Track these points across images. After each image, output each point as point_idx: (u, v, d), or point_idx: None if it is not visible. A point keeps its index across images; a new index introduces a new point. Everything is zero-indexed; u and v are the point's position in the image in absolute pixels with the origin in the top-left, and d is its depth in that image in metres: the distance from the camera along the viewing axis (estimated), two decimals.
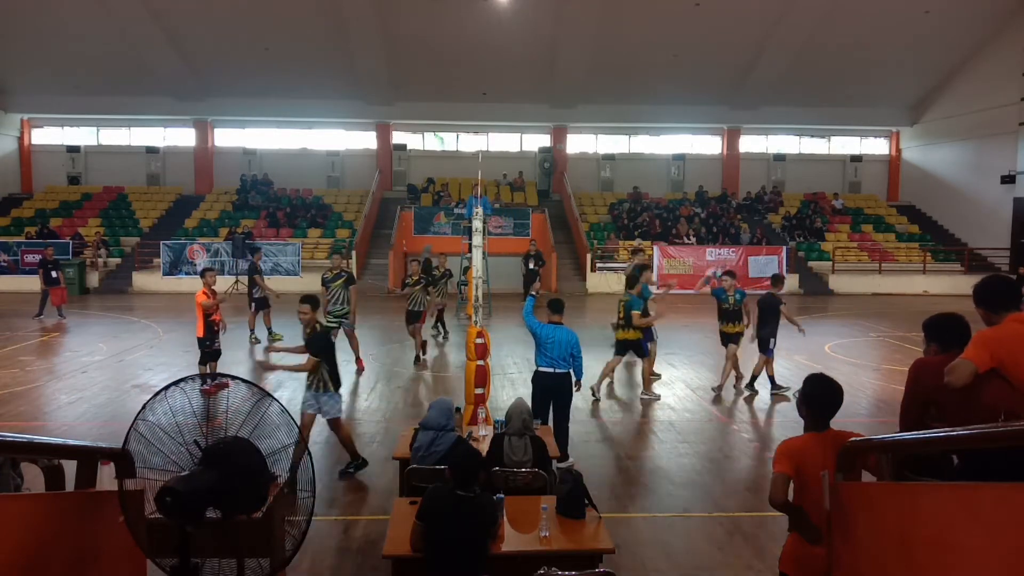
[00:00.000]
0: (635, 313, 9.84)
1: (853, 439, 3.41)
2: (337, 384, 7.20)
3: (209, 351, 10.13)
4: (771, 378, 10.40)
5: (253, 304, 14.11)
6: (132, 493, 2.99)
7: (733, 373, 10.62)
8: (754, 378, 10.56)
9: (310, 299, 7.32)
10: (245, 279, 14.70)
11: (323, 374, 7.07)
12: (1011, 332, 3.19)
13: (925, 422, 3.52)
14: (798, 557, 3.48)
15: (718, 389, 10.44)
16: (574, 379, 7.43)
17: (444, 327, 14.72)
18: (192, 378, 3.36)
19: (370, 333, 15.30)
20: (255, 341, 13.94)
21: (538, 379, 7.38)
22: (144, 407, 3.18)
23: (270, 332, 14.08)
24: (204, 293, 10.09)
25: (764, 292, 10.69)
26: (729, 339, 10.46)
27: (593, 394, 10.07)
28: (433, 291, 13.96)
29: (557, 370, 7.30)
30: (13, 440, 3.26)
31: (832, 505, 3.29)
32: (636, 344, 10.07)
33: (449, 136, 30.74)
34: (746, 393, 10.43)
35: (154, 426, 3.22)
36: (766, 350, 10.26)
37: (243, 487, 3.31)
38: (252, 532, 3.66)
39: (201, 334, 10.02)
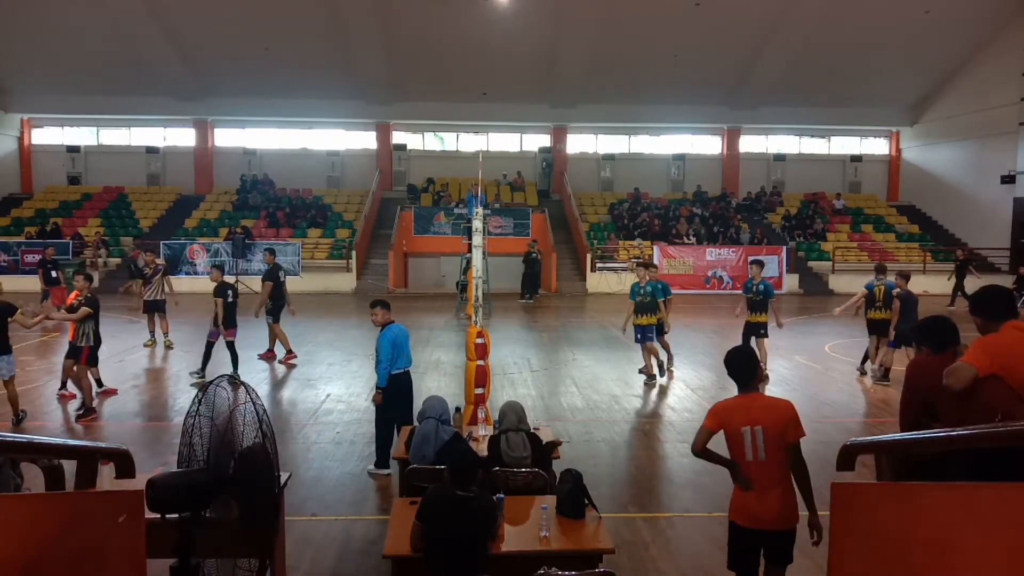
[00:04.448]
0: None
1: (853, 440, 3.42)
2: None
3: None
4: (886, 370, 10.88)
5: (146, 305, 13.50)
6: (135, 493, 3.00)
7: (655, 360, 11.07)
8: (887, 371, 10.87)
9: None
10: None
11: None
12: (1011, 339, 3.23)
13: (922, 422, 3.55)
14: (737, 505, 3.97)
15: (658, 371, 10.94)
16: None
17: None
18: (222, 378, 3.42)
19: (371, 333, 15.29)
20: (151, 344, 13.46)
21: (398, 381, 6.97)
22: (200, 403, 3.27)
23: (166, 336, 13.56)
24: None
25: (903, 291, 10.81)
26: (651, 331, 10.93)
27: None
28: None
29: (406, 368, 7.03)
30: (13, 440, 3.26)
31: (832, 505, 3.29)
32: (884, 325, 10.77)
33: (449, 136, 30.75)
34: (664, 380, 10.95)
35: (201, 418, 3.31)
36: (901, 344, 10.57)
37: (262, 489, 3.35)
38: (260, 533, 3.66)
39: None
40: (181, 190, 28.98)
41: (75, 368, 9.15)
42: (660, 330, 11.04)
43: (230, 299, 10.74)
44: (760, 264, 11.58)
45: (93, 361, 9.30)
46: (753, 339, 10.83)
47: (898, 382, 10.44)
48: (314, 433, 8.42)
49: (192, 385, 10.59)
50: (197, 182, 29.30)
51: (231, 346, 10.76)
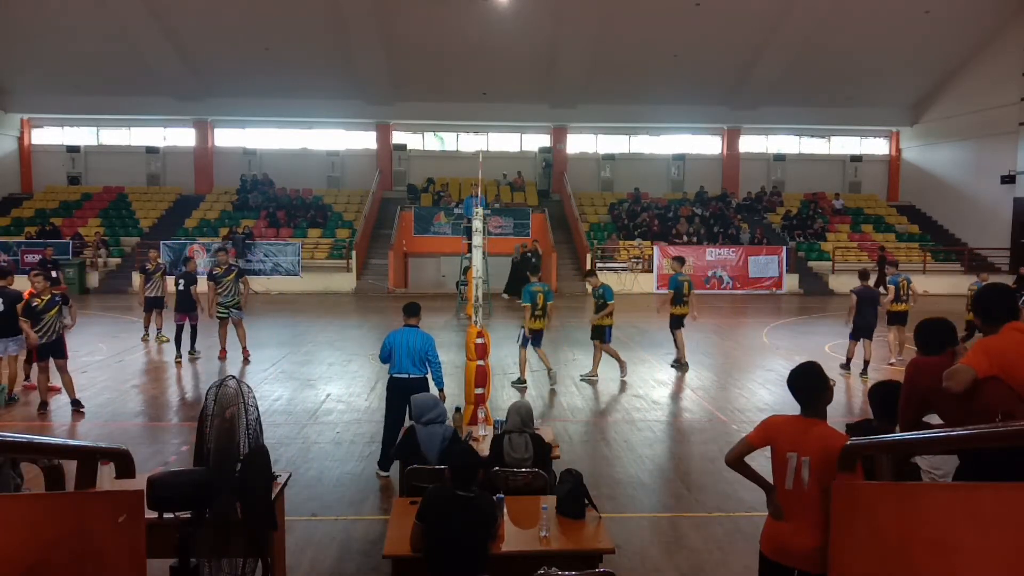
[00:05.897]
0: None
1: (853, 440, 3.40)
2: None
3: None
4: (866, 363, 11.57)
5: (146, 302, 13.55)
6: (135, 493, 3.00)
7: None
8: (867, 364, 11.55)
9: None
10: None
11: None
12: (1011, 341, 3.22)
13: (922, 422, 3.55)
14: (767, 532, 3.66)
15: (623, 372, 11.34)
16: (433, 385, 7.00)
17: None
18: (231, 378, 3.42)
19: (371, 333, 15.32)
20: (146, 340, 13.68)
21: (392, 384, 7.04)
22: (214, 403, 3.29)
23: (159, 332, 13.84)
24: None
25: (861, 287, 11.65)
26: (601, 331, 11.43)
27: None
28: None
29: (411, 375, 6.96)
30: (13, 440, 3.26)
31: (832, 505, 3.29)
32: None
33: (449, 136, 30.75)
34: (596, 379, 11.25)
35: (214, 418, 3.32)
36: (869, 337, 11.56)
37: (261, 490, 3.36)
38: (260, 533, 3.67)
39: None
40: (181, 190, 28.97)
41: (57, 362, 9.12)
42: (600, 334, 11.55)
43: (180, 287, 12.40)
44: (681, 261, 13.00)
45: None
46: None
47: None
48: (314, 433, 8.42)
49: (172, 357, 12.10)
50: (197, 182, 29.30)
51: (192, 329, 12.32)
